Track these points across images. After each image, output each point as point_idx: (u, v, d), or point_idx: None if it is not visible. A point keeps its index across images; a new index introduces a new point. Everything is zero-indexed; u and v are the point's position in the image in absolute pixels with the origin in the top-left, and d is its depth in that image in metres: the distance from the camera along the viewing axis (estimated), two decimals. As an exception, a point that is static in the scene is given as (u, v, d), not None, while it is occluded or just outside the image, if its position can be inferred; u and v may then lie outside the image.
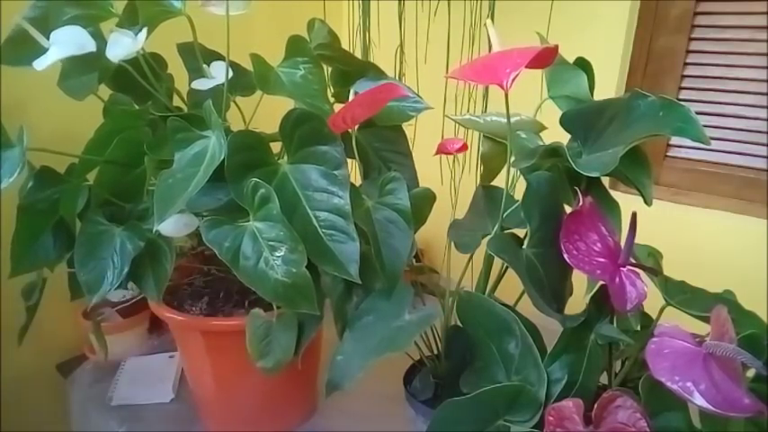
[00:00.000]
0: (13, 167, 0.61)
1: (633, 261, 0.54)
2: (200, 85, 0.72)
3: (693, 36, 1.13)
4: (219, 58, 0.75)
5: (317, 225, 0.61)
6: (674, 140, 1.20)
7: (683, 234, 1.12)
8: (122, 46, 0.66)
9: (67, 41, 0.64)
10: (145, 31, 0.67)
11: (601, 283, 0.57)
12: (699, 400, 0.39)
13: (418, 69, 1.34)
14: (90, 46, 0.64)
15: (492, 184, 0.76)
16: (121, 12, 0.72)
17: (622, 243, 0.54)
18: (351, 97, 0.68)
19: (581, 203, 0.54)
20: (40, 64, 0.62)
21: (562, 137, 0.62)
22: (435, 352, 0.71)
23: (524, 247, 0.60)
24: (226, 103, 0.72)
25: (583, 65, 0.70)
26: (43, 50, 0.63)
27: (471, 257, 0.67)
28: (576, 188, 0.57)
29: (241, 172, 0.60)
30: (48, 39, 0.63)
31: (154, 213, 0.58)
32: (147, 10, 0.67)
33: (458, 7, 1.26)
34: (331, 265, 0.60)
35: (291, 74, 0.71)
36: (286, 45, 0.73)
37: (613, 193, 0.64)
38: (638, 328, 0.66)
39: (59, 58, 0.63)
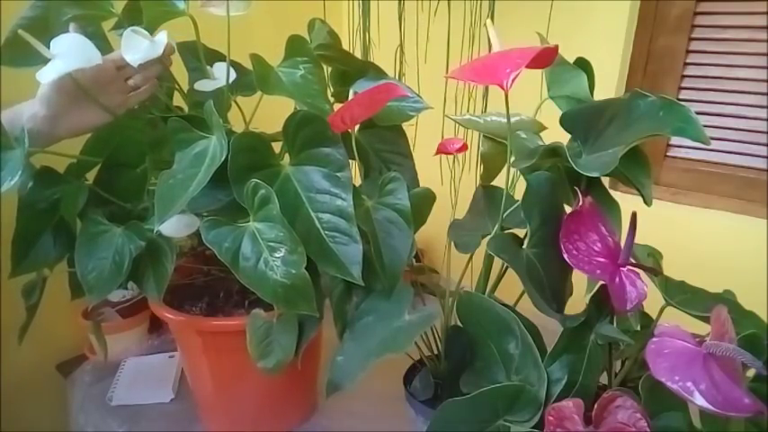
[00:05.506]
0: (14, 170, 0.60)
1: (633, 261, 0.54)
2: (204, 86, 0.72)
3: (693, 36, 1.12)
4: (221, 58, 0.75)
5: (319, 227, 0.60)
6: (674, 140, 1.20)
7: (684, 234, 1.11)
8: (140, 50, 0.65)
9: (73, 53, 0.62)
10: (165, 34, 0.66)
11: (601, 283, 0.56)
12: (699, 400, 0.39)
13: (418, 69, 1.34)
14: (96, 58, 0.63)
15: (492, 184, 0.77)
16: (121, 11, 0.72)
17: (622, 243, 0.54)
18: (350, 97, 0.68)
19: (581, 203, 0.54)
20: (46, 76, 0.60)
21: (562, 137, 0.62)
22: (435, 352, 0.71)
23: (524, 247, 0.60)
24: (227, 103, 0.71)
25: (583, 65, 0.70)
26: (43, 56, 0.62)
27: (471, 257, 0.68)
28: (576, 188, 0.57)
29: (244, 173, 0.60)
30: (47, 43, 0.62)
31: (154, 213, 0.58)
32: (152, 10, 0.67)
33: (458, 7, 1.26)
34: (334, 267, 0.60)
35: (291, 74, 0.71)
36: (285, 45, 0.73)
37: (613, 193, 0.64)
38: (638, 328, 0.66)
39: (66, 71, 0.62)
